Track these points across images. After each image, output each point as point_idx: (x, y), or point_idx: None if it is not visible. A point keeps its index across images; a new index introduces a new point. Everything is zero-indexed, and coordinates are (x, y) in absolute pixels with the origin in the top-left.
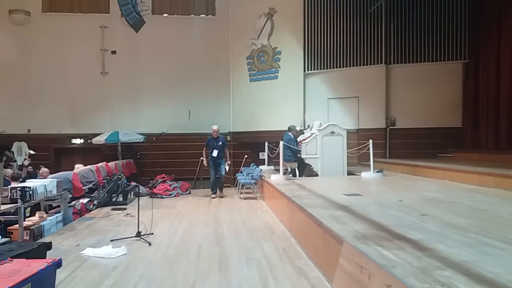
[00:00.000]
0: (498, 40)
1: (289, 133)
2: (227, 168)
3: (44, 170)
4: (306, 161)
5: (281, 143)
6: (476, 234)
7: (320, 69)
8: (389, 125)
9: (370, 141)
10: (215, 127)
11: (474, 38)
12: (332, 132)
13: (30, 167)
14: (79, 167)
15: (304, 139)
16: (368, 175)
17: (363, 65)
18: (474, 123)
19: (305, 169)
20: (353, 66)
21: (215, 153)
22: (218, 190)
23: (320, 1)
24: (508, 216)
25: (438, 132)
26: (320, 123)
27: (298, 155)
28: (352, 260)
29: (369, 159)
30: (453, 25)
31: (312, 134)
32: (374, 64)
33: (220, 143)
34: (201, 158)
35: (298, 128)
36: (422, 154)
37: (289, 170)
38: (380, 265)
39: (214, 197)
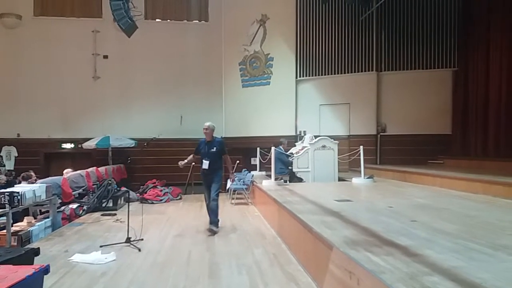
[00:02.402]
0: (487, 49)
1: (281, 147)
2: (229, 183)
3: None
4: (298, 175)
5: (272, 149)
6: (464, 240)
7: (312, 75)
8: (380, 131)
9: (361, 147)
10: (207, 124)
11: (463, 47)
12: (324, 146)
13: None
14: (68, 172)
15: (296, 152)
16: (358, 181)
17: (354, 72)
18: (463, 130)
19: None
20: (344, 73)
21: (205, 164)
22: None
23: (312, 8)
24: (496, 222)
25: (428, 139)
26: (312, 136)
27: (290, 168)
28: (342, 265)
29: (360, 165)
30: (443, 34)
31: (303, 147)
32: (365, 71)
33: (214, 149)
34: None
35: (286, 141)
36: (412, 160)
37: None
38: (369, 271)
39: (213, 230)
